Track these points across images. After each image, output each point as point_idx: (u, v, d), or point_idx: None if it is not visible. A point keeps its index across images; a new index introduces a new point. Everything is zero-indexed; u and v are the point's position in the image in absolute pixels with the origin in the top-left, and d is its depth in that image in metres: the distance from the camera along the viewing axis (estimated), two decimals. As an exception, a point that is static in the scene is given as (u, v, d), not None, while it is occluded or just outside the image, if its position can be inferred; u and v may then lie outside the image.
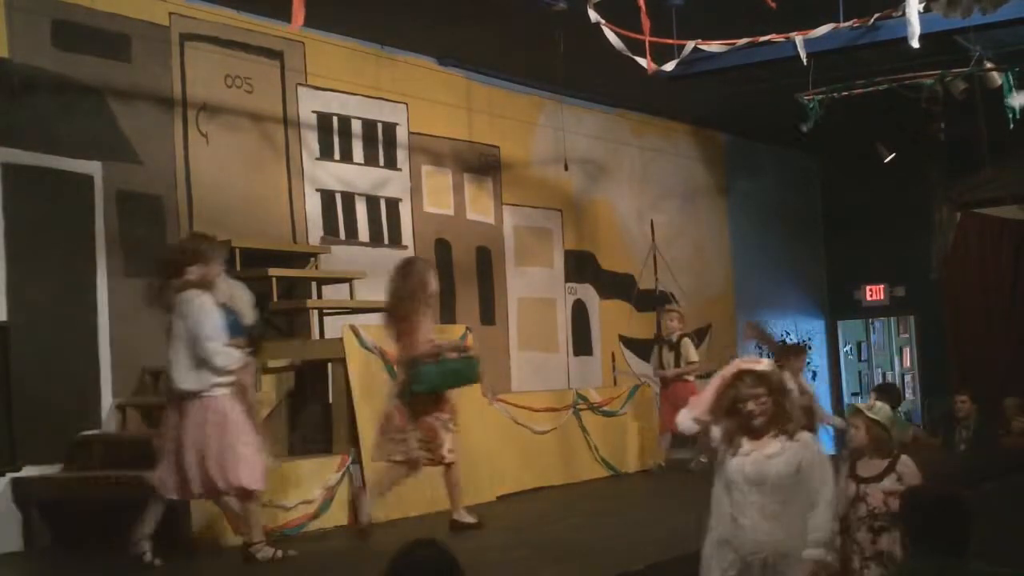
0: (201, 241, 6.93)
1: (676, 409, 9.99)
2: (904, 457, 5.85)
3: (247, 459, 6.58)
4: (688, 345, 10.89)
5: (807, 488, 4.76)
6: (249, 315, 7.26)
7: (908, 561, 4.33)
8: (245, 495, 6.69)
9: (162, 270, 6.80)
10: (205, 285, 6.66)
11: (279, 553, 6.73)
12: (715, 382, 4.95)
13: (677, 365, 10.86)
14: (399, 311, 7.60)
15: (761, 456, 4.78)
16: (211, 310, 6.59)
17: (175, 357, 6.57)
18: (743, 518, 4.75)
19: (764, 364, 5.01)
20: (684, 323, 11.19)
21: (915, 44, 7.95)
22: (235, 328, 6.77)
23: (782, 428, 4.81)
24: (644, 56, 8.66)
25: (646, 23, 8.23)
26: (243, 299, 7.35)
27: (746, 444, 4.82)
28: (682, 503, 9.60)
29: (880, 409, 5.87)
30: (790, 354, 10.20)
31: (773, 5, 8.04)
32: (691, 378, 10.86)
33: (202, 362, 6.52)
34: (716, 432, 4.93)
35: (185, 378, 6.55)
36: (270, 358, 8.30)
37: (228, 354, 6.60)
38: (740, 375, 4.87)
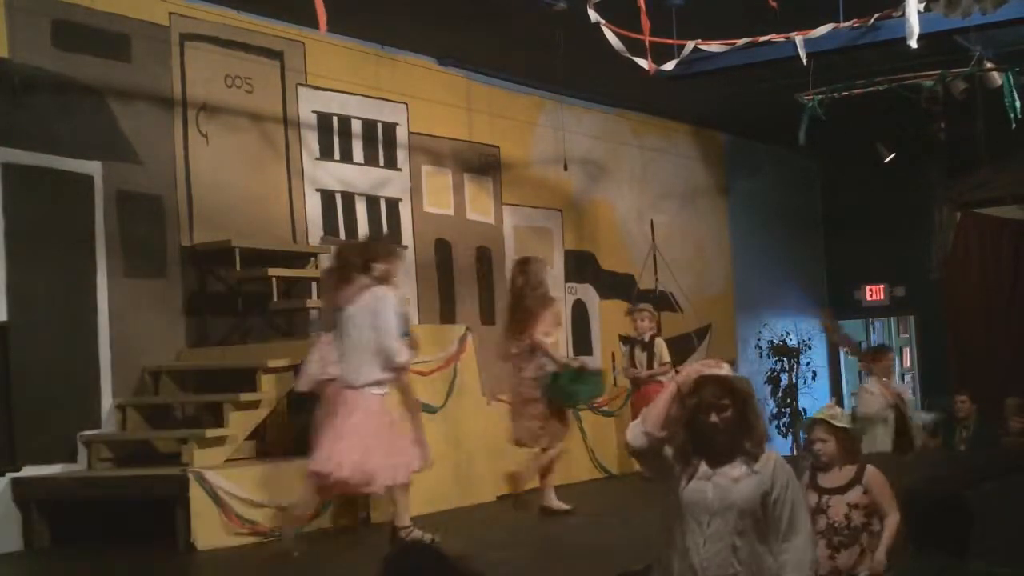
0: (386, 240, 7.44)
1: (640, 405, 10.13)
2: (871, 467, 5.54)
3: (404, 451, 6.91)
4: (662, 345, 10.52)
5: (777, 515, 4.09)
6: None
7: (909, 561, 4.32)
8: (400, 485, 6.97)
9: (346, 264, 7.02)
10: (389, 282, 6.96)
11: (427, 536, 6.76)
12: (669, 389, 4.22)
13: (650, 366, 10.45)
14: (518, 308, 8.20)
15: (726, 479, 4.11)
16: (395, 307, 6.87)
17: (349, 350, 6.83)
18: (700, 550, 4.10)
19: (727, 369, 4.24)
20: (655, 323, 10.84)
21: (913, 44, 7.95)
22: (403, 327, 7.01)
23: (747, 446, 4.12)
24: (644, 56, 8.67)
25: (646, 24, 8.23)
26: (403, 299, 7.64)
27: (704, 466, 4.13)
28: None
29: (842, 415, 5.61)
30: (875, 357, 9.86)
31: (774, 5, 8.04)
32: (665, 379, 10.56)
33: (378, 356, 6.78)
34: (668, 450, 4.19)
35: (359, 372, 6.80)
36: (270, 358, 8.31)
37: (404, 351, 6.86)
38: (702, 382, 4.14)
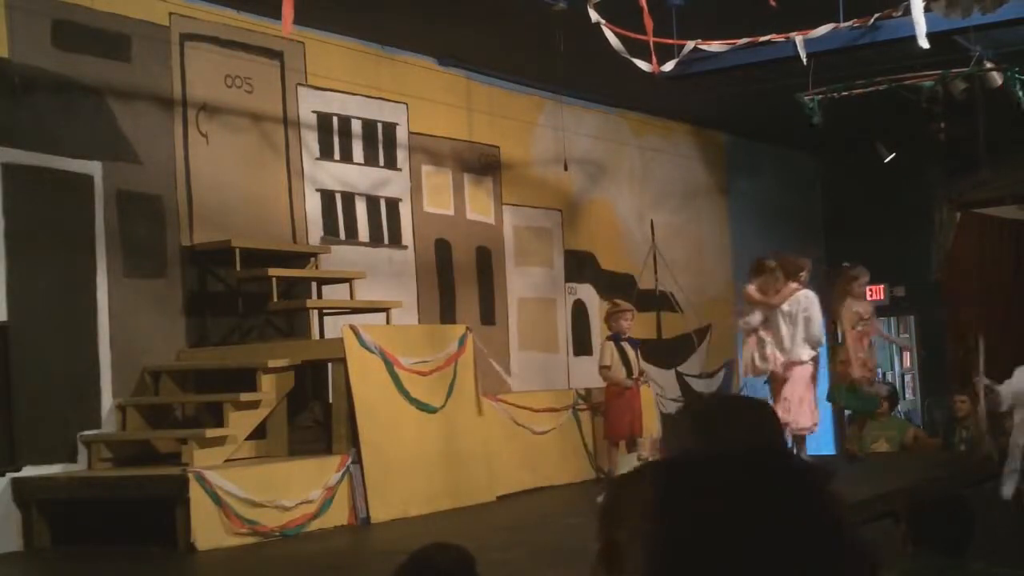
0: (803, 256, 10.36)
1: (633, 414, 10.03)
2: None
3: (811, 408, 9.45)
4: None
5: None
6: None
7: (909, 561, 4.32)
8: (803, 432, 9.59)
9: (785, 274, 9.79)
10: (808, 287, 9.84)
11: None
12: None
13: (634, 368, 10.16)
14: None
15: None
16: (817, 305, 9.82)
17: (788, 335, 9.61)
18: None
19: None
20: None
21: (925, 44, 7.95)
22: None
23: None
24: (643, 57, 8.67)
25: (648, 23, 8.23)
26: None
27: None
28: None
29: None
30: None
31: (774, 3, 8.04)
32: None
33: (808, 340, 9.61)
34: None
35: (799, 351, 9.58)
36: (270, 358, 8.32)
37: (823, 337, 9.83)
38: None
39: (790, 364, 9.71)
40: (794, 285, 9.82)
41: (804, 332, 9.68)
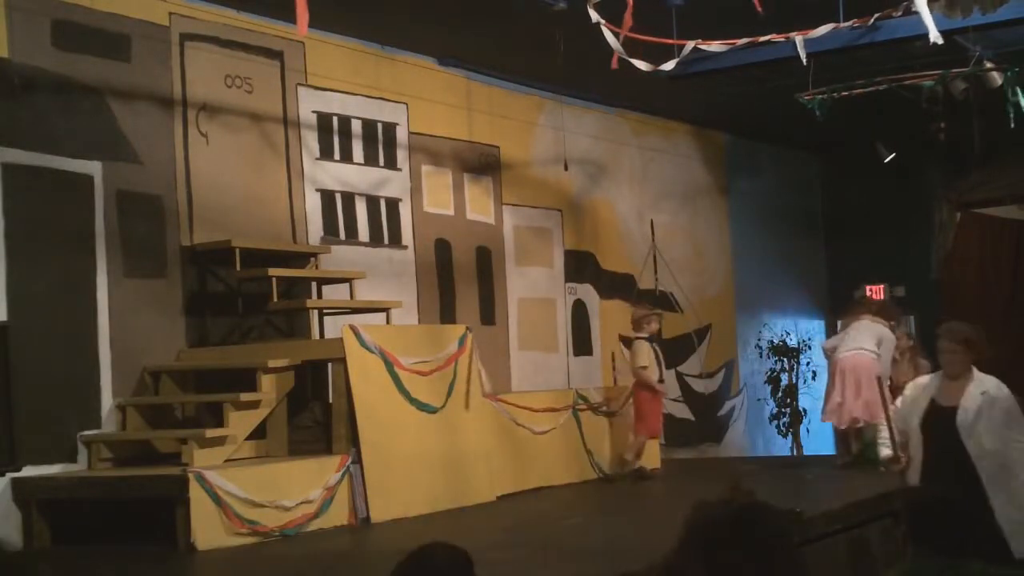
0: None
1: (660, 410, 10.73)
2: None
3: (872, 403, 9.36)
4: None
5: None
6: None
7: (909, 561, 4.32)
8: (862, 422, 10.11)
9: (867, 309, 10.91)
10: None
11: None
12: None
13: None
14: None
15: None
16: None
17: (862, 340, 10.24)
18: None
19: None
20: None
21: (939, 40, 7.95)
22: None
23: None
24: (640, 57, 8.67)
25: (627, 21, 8.18)
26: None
27: None
28: (681, 503, 9.62)
29: None
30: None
31: (760, 8, 8.03)
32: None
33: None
34: None
35: (863, 350, 10.19)
36: (270, 358, 8.32)
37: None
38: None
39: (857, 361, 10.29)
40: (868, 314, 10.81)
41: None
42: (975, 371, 6.41)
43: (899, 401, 6.69)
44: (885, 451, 6.48)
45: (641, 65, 8.73)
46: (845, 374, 10.15)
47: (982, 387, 6.30)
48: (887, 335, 10.32)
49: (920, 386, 6.55)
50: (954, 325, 6.71)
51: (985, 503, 5.97)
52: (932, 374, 6.65)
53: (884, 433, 6.52)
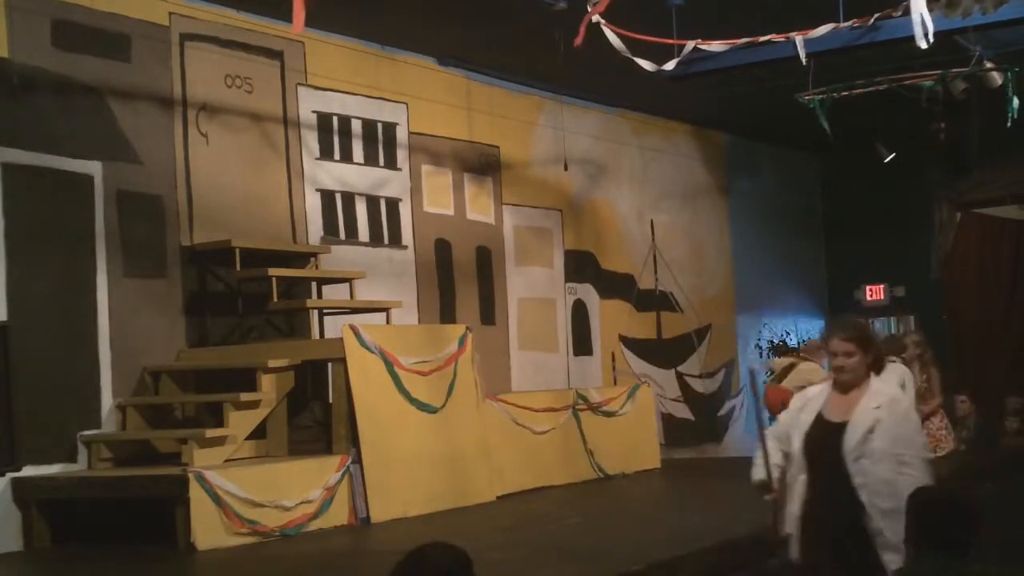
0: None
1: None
2: None
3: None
4: None
5: None
6: None
7: (909, 561, 4.32)
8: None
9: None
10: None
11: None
12: None
13: None
14: None
15: None
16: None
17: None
18: None
19: None
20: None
21: (923, 44, 7.94)
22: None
23: None
24: (644, 56, 8.67)
25: (600, 7, 8.15)
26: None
27: None
28: (682, 503, 9.62)
29: None
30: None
31: None
32: None
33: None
34: None
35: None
36: (270, 358, 8.32)
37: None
38: None
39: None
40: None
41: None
42: (873, 379, 5.08)
43: (782, 415, 5.40)
44: (758, 474, 5.17)
45: (644, 64, 8.72)
46: None
47: (877, 400, 4.98)
48: (906, 374, 10.24)
49: (806, 397, 5.24)
50: (847, 320, 5.42)
51: (873, 550, 4.83)
52: (820, 385, 5.30)
53: (757, 454, 5.24)
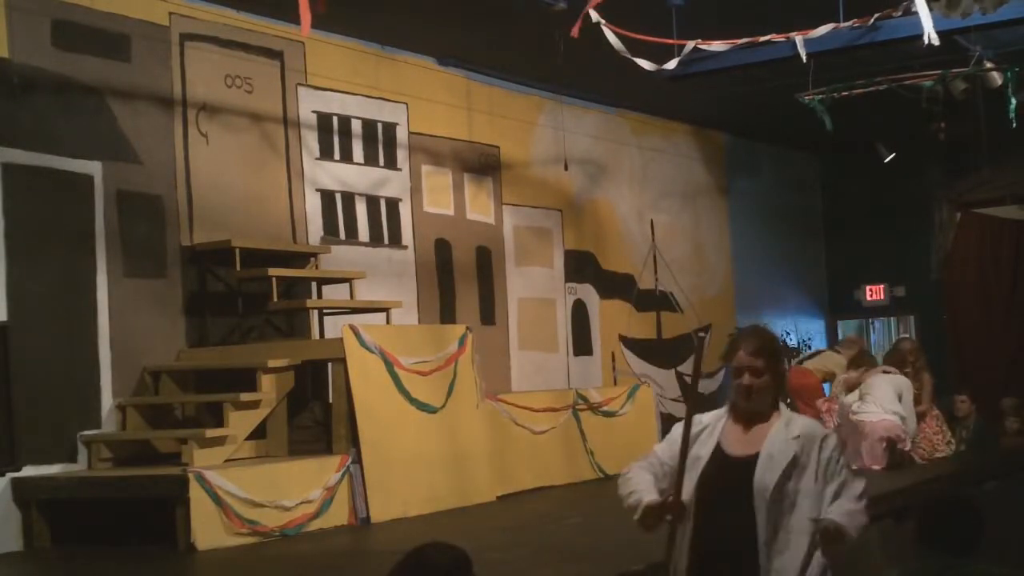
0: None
1: None
2: None
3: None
4: None
5: None
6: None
7: (910, 561, 4.32)
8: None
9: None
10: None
11: None
12: None
13: None
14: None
15: None
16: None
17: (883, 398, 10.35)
18: None
19: None
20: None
21: (936, 41, 7.94)
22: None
23: None
24: (644, 56, 8.67)
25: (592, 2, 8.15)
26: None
27: None
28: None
29: None
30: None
31: None
32: None
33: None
34: None
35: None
36: (270, 358, 8.32)
37: None
38: None
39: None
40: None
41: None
42: (782, 406, 4.18)
43: (658, 447, 4.38)
44: (646, 496, 4.15)
45: (644, 64, 8.72)
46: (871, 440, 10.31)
47: (794, 430, 4.05)
48: (904, 385, 10.47)
49: (701, 424, 4.19)
50: (756, 329, 4.32)
51: None
52: (715, 411, 4.24)
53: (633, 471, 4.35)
